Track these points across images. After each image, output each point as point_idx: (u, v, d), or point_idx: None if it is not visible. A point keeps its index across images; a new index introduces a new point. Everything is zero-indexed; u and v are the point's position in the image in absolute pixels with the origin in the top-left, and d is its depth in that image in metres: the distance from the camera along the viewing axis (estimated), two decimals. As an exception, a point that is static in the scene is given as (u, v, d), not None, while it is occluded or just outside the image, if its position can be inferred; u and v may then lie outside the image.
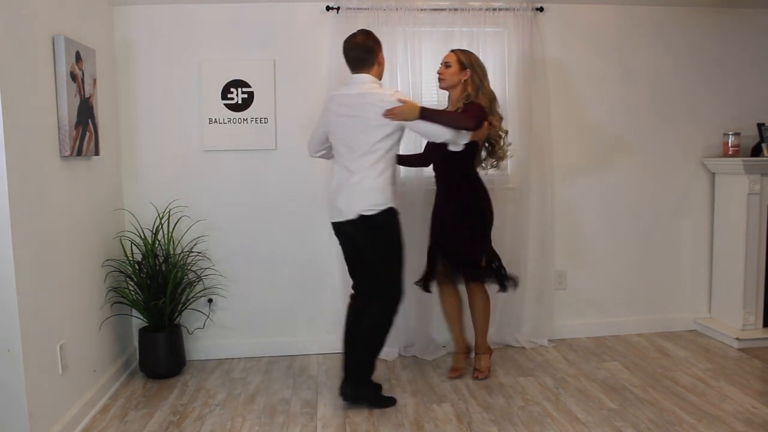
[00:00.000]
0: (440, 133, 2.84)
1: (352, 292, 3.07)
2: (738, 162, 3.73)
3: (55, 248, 2.68)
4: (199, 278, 3.58)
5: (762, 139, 3.87)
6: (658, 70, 3.92)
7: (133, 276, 3.32)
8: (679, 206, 4.04)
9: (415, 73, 3.58)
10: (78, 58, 2.84)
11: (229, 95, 3.59)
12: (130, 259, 3.36)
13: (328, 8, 3.55)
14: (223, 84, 3.58)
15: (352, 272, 3.06)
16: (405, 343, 3.69)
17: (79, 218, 2.95)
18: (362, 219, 2.79)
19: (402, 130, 2.87)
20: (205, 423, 2.84)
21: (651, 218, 4.01)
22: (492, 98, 3.17)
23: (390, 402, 2.97)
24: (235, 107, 3.60)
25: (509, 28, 3.67)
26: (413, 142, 3.48)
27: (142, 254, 3.38)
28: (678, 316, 4.08)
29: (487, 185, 3.29)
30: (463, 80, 3.12)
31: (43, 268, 2.55)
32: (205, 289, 3.62)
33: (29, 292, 2.41)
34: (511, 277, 3.34)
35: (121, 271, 3.34)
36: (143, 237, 3.40)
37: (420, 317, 3.68)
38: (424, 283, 3.37)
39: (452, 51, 3.19)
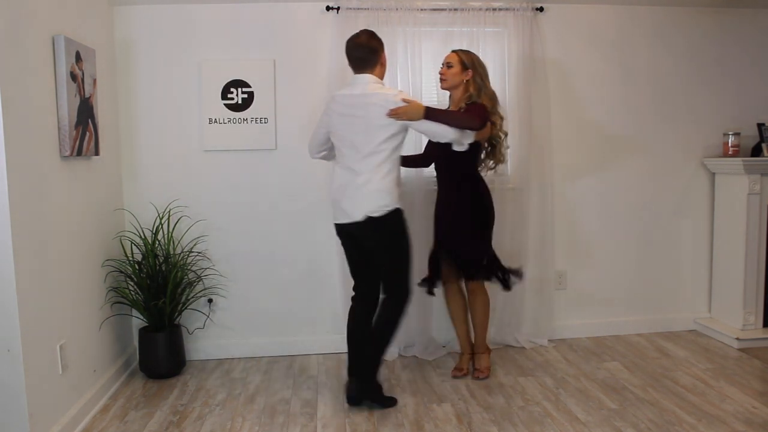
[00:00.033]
0: (445, 133, 2.83)
1: (353, 293, 3.06)
2: (738, 162, 3.73)
3: (55, 248, 2.68)
4: (199, 278, 3.58)
5: (762, 139, 3.87)
6: (658, 70, 3.93)
7: (133, 276, 3.32)
8: (679, 206, 4.04)
9: (415, 73, 3.58)
10: (78, 58, 2.84)
11: (229, 95, 3.59)
12: (130, 259, 3.36)
13: (328, 8, 3.55)
14: (223, 84, 3.58)
15: (354, 273, 3.05)
16: (405, 343, 3.69)
17: (79, 218, 2.95)
18: (370, 221, 2.79)
19: (406, 130, 2.87)
20: (205, 423, 2.84)
21: (651, 218, 4.02)
22: (493, 98, 3.17)
23: (391, 402, 2.97)
24: (235, 107, 3.60)
25: (509, 28, 3.67)
26: (413, 143, 3.47)
27: (142, 254, 3.38)
28: (678, 316, 4.08)
29: (488, 185, 3.29)
30: (465, 80, 3.12)
31: (43, 268, 2.55)
32: (205, 289, 3.62)
33: (29, 292, 2.41)
34: (514, 271, 3.33)
35: (121, 271, 3.34)
36: (143, 237, 3.40)
37: (420, 317, 3.67)
38: (429, 286, 3.36)
39: (453, 51, 3.19)
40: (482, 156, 3.28)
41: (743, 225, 3.78)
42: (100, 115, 3.15)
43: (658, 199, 4.01)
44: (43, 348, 2.52)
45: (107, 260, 3.25)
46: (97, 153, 3.09)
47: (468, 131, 2.87)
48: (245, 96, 3.60)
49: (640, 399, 3.00)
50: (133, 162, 3.59)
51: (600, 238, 3.98)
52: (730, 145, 3.86)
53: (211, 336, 3.70)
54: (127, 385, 3.30)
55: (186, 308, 3.50)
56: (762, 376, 3.29)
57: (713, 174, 4.02)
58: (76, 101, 2.82)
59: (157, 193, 3.57)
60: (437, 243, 3.31)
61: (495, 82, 3.43)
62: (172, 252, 3.44)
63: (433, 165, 3.36)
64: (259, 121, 3.62)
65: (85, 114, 2.93)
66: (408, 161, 3.38)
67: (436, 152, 3.26)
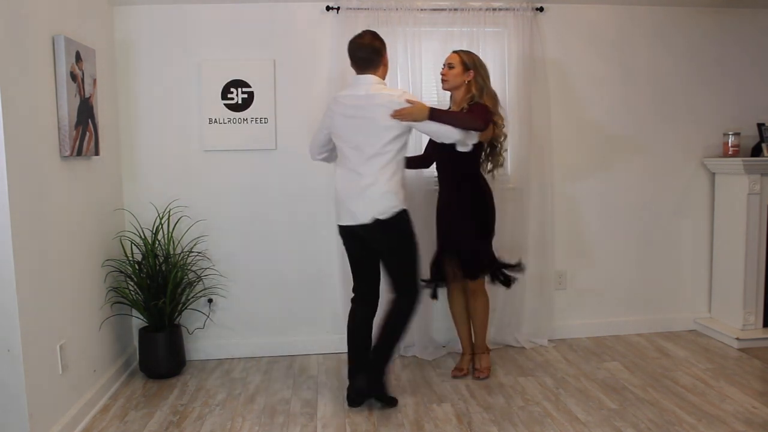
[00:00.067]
0: (450, 134, 2.83)
1: (353, 295, 3.06)
2: (738, 162, 3.73)
3: (55, 248, 2.68)
4: (199, 278, 3.58)
5: (762, 139, 3.87)
6: (658, 70, 3.93)
7: (133, 276, 3.32)
8: (679, 206, 4.04)
9: (415, 73, 3.58)
10: (78, 58, 2.84)
11: (229, 95, 3.59)
12: (130, 259, 3.36)
13: (328, 8, 3.55)
14: (223, 84, 3.58)
15: (356, 274, 3.04)
16: (405, 343, 3.68)
17: (79, 218, 2.95)
18: (377, 223, 2.78)
19: (410, 131, 2.86)
20: (205, 423, 2.84)
21: (651, 218, 4.02)
22: (495, 99, 3.17)
23: (393, 402, 2.97)
24: (235, 107, 3.60)
25: (509, 28, 3.67)
26: (413, 144, 3.46)
27: (142, 254, 3.38)
28: (678, 316, 4.08)
29: (490, 185, 3.29)
30: (466, 81, 3.12)
31: (43, 268, 2.55)
32: (205, 289, 3.62)
33: (29, 292, 2.41)
34: (514, 266, 3.33)
35: (121, 271, 3.34)
36: (143, 237, 3.40)
37: (420, 317, 3.66)
38: (432, 290, 3.35)
39: (455, 52, 3.18)
40: (481, 158, 3.28)
41: (743, 225, 3.78)
42: (100, 115, 3.15)
43: (658, 199, 4.01)
44: (43, 348, 2.52)
45: (107, 260, 3.25)
46: (97, 153, 3.09)
47: (472, 132, 2.87)
48: (245, 96, 3.60)
49: (640, 399, 3.00)
50: (133, 162, 3.59)
51: (600, 238, 3.98)
52: (730, 145, 3.86)
53: (211, 336, 3.70)
54: (127, 385, 3.30)
55: (186, 308, 3.50)
56: (762, 376, 3.29)
57: (713, 174, 4.02)
58: (76, 101, 2.82)
59: (157, 193, 3.57)
60: (440, 245, 3.31)
61: (495, 82, 3.43)
62: (172, 252, 3.44)
63: (434, 165, 3.36)
64: (259, 121, 3.62)
65: (85, 114, 2.93)
66: (408, 162, 3.37)
67: (436, 153, 3.26)
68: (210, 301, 3.67)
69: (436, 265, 3.32)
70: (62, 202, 2.76)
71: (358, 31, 2.96)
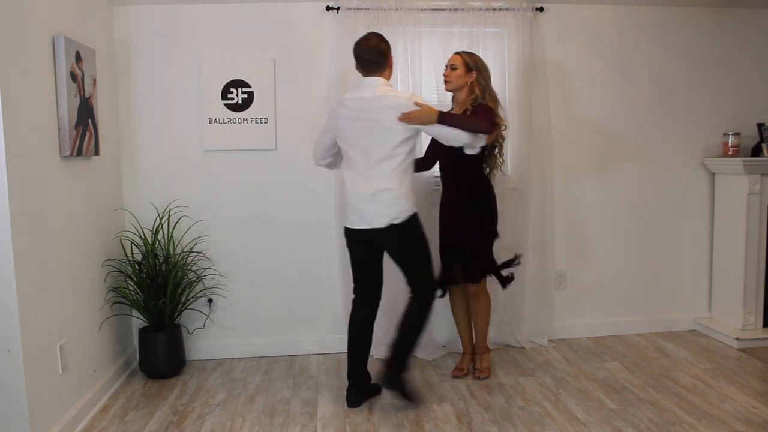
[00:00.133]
0: (459, 137, 2.81)
1: (354, 296, 3.05)
2: (738, 162, 3.73)
3: (55, 248, 2.68)
4: (199, 278, 3.58)
5: (762, 139, 3.87)
6: (658, 70, 3.93)
7: (133, 276, 3.32)
8: (679, 206, 4.04)
9: (415, 73, 3.58)
10: (78, 58, 2.84)
11: (229, 95, 3.59)
12: (130, 259, 3.36)
13: (328, 8, 3.55)
14: (223, 84, 3.58)
15: (358, 275, 3.02)
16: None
17: (79, 218, 2.95)
18: (391, 227, 2.78)
19: (418, 134, 2.86)
20: (205, 423, 2.84)
21: (651, 218, 4.02)
22: (496, 100, 3.17)
23: (417, 398, 2.96)
24: (235, 107, 3.60)
25: (509, 28, 3.67)
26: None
27: (142, 254, 3.38)
28: (678, 316, 4.08)
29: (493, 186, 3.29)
30: (469, 82, 3.12)
31: (43, 268, 2.55)
32: (205, 289, 3.62)
33: (29, 292, 2.41)
34: (510, 262, 3.33)
35: (121, 271, 3.34)
36: (143, 237, 3.40)
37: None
38: (442, 289, 3.32)
39: (457, 53, 3.17)
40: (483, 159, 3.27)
41: (743, 225, 3.78)
42: (100, 115, 3.15)
43: (658, 199, 4.01)
44: (43, 348, 2.52)
45: (107, 260, 3.25)
46: (97, 153, 3.09)
47: (480, 134, 2.86)
48: (245, 96, 3.60)
49: (640, 399, 3.00)
50: (133, 162, 3.59)
51: (600, 238, 3.98)
52: (730, 145, 3.86)
53: (211, 336, 3.70)
54: (127, 385, 3.30)
55: (186, 308, 3.50)
56: (762, 376, 3.29)
57: (713, 174, 4.02)
58: (76, 101, 2.82)
59: (157, 193, 3.57)
60: (441, 245, 3.30)
61: (495, 82, 3.43)
62: (172, 252, 3.44)
63: (437, 166, 3.35)
64: (259, 121, 3.62)
65: (85, 114, 2.93)
66: None
67: (438, 155, 3.26)
68: (210, 301, 3.67)
69: (443, 267, 3.31)
70: (62, 202, 2.76)
71: (358, 31, 2.96)
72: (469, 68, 3.11)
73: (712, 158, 3.97)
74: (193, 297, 3.52)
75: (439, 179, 3.35)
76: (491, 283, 3.32)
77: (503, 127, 3.18)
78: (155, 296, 3.31)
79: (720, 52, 3.97)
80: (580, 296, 3.98)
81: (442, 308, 3.57)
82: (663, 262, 4.05)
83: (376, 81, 2.83)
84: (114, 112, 3.47)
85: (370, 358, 3.06)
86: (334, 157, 3.03)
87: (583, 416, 2.82)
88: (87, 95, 2.95)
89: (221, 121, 3.59)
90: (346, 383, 3.05)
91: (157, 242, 3.41)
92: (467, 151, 2.92)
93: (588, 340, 3.92)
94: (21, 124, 2.38)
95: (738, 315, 3.83)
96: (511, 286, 3.40)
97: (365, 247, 2.93)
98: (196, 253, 3.58)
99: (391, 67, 2.92)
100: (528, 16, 3.65)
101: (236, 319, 3.71)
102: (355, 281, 3.04)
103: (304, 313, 3.76)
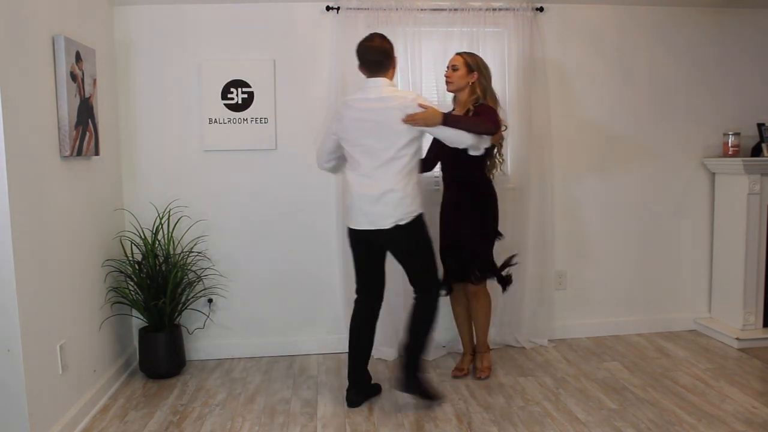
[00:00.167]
0: (463, 139, 2.80)
1: (356, 296, 3.04)
2: (738, 162, 3.73)
3: (55, 248, 2.68)
4: (199, 278, 3.57)
5: (762, 139, 3.87)
6: (658, 70, 3.93)
7: (133, 276, 3.32)
8: (679, 206, 4.04)
9: (415, 73, 3.58)
10: (78, 58, 2.84)
11: (229, 95, 3.59)
12: (130, 259, 3.36)
13: (328, 8, 3.55)
14: (223, 84, 3.58)
15: (360, 275, 3.01)
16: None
17: (79, 218, 2.95)
18: (397, 228, 2.78)
19: (423, 135, 2.85)
20: (205, 423, 2.84)
21: (651, 218, 4.02)
22: (496, 101, 3.17)
23: (437, 396, 2.97)
24: (235, 107, 3.60)
25: (509, 28, 3.67)
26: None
27: (142, 254, 3.38)
28: (678, 316, 4.08)
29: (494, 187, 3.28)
30: (470, 83, 3.12)
31: (43, 268, 2.55)
32: (205, 289, 3.62)
33: (29, 292, 2.41)
34: (508, 263, 3.34)
35: (121, 271, 3.34)
36: (143, 237, 3.40)
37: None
38: (447, 287, 3.32)
39: (458, 54, 3.17)
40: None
41: (743, 225, 3.78)
42: (100, 115, 3.15)
43: (658, 199, 4.01)
44: (43, 348, 2.52)
45: (107, 260, 3.25)
46: (97, 153, 3.09)
47: (485, 136, 2.86)
48: (245, 96, 3.60)
49: (640, 399, 3.00)
50: (133, 162, 3.59)
51: (600, 238, 3.98)
52: (730, 145, 3.86)
53: (211, 336, 3.70)
54: (127, 385, 3.30)
55: (186, 308, 3.50)
56: (762, 376, 3.29)
57: (713, 174, 4.02)
58: (76, 101, 2.82)
59: (157, 193, 3.57)
60: (443, 247, 3.30)
61: (495, 82, 3.43)
62: (172, 252, 3.44)
63: (438, 167, 3.35)
64: (259, 121, 3.62)
65: (85, 114, 2.93)
66: None
67: (439, 156, 3.26)
68: (210, 301, 3.67)
69: (444, 266, 3.31)
70: (62, 202, 2.76)
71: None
72: (471, 69, 3.11)
73: (712, 158, 3.97)
74: (193, 297, 3.52)
75: (440, 179, 3.35)
76: (491, 283, 3.32)
77: (503, 128, 3.18)
78: (155, 296, 3.31)
79: (720, 52, 3.97)
80: (580, 296, 3.98)
81: (442, 308, 3.53)
82: (663, 262, 4.05)
83: (381, 82, 2.82)
84: (114, 112, 3.47)
85: (370, 358, 3.06)
86: (338, 161, 3.01)
87: (583, 416, 2.82)
88: (87, 95, 2.96)
89: (221, 121, 3.59)
90: (346, 383, 3.05)
91: (157, 242, 3.41)
92: (471, 153, 2.90)
93: (588, 340, 3.92)
94: (21, 124, 2.38)
95: (738, 315, 3.83)
96: (511, 287, 3.40)
97: (369, 247, 2.93)
98: (196, 253, 3.58)
99: (394, 67, 2.90)
100: (528, 16, 3.65)
101: (236, 319, 3.71)
102: (357, 281, 3.03)
103: (304, 313, 3.76)
